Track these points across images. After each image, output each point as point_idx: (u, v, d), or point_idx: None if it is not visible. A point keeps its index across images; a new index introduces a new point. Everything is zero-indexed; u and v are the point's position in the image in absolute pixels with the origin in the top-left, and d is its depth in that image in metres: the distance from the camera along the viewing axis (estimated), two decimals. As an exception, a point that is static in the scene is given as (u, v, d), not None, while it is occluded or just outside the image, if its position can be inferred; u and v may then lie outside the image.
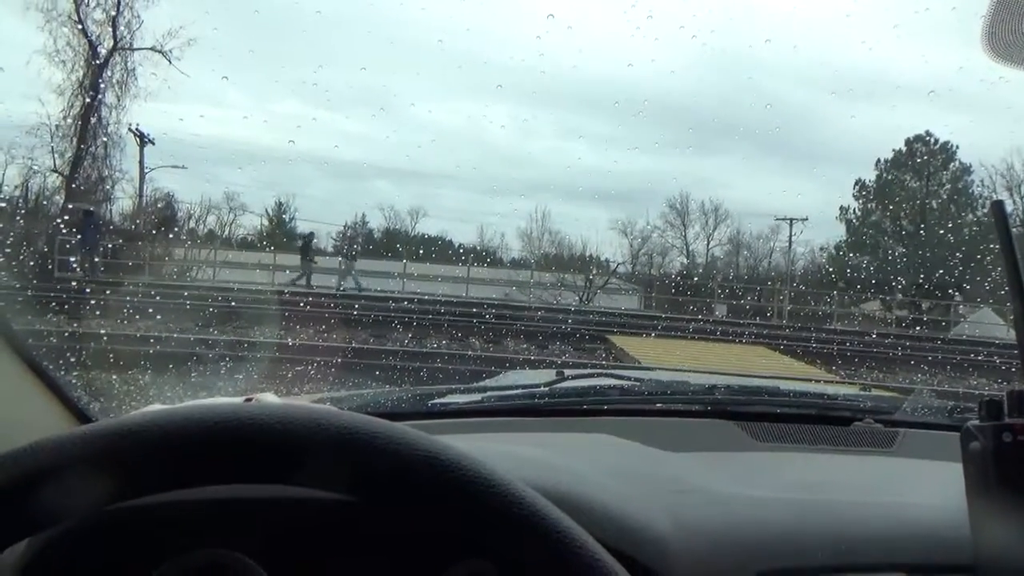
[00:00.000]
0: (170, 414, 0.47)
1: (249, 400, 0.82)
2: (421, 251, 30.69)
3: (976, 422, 0.68)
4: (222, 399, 0.85)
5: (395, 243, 31.97)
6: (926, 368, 12.06)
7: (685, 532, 0.71)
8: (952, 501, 0.70)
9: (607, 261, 32.19)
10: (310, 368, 7.77)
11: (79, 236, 17.25)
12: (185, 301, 11.60)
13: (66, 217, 18.43)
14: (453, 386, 1.33)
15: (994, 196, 30.57)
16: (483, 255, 34.69)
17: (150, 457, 0.46)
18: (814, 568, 0.69)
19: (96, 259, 17.40)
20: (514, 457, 0.80)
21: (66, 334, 8.66)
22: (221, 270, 21.34)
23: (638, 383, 1.32)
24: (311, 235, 23.45)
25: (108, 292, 11.50)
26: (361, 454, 0.47)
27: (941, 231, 26.97)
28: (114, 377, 6.74)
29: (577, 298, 23.17)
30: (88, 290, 12.21)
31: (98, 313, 10.47)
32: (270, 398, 0.86)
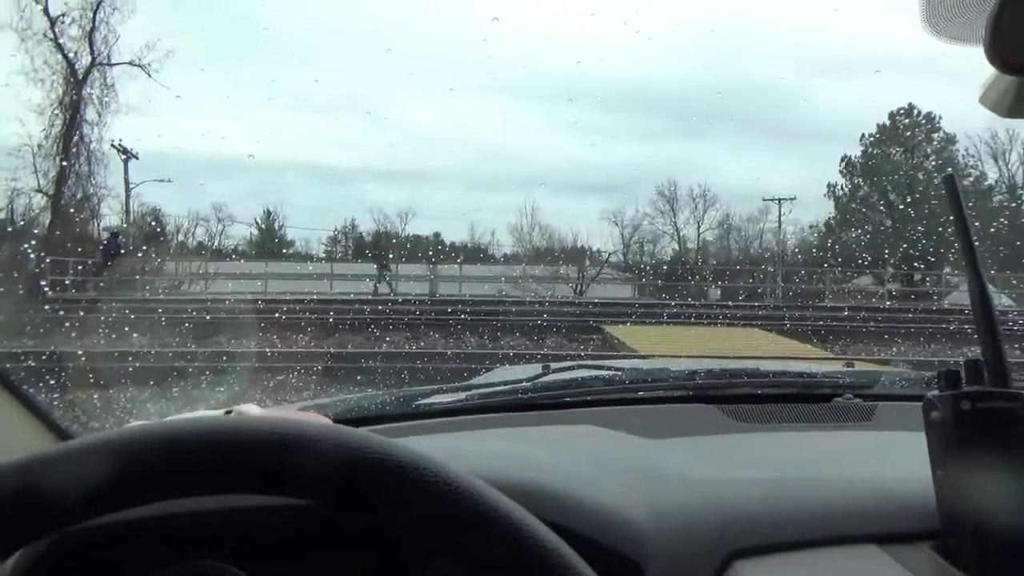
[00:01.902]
0: (129, 432, 0.48)
1: (229, 413, 0.82)
2: (411, 251, 30.73)
3: (936, 392, 0.69)
4: (202, 412, 0.86)
5: (387, 244, 31.94)
6: (923, 339, 12.14)
7: (659, 518, 0.72)
8: (922, 470, 0.72)
9: (599, 252, 32.28)
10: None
11: (100, 256, 17.59)
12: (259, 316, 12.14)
13: (90, 238, 18.78)
14: (438, 386, 1.34)
15: (980, 164, 30.69)
16: (477, 252, 34.76)
17: (108, 475, 0.47)
18: (785, 544, 0.70)
19: (105, 275, 17.72)
20: (488, 454, 0.81)
21: (81, 353, 8.65)
22: (255, 281, 21.38)
23: (620, 372, 1.32)
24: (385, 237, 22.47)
25: (128, 311, 11.49)
26: (316, 460, 0.47)
27: (926, 205, 27.07)
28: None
29: (572, 290, 23.23)
30: (103, 307, 12.11)
31: (133, 330, 10.52)
32: (251, 409, 0.87)
